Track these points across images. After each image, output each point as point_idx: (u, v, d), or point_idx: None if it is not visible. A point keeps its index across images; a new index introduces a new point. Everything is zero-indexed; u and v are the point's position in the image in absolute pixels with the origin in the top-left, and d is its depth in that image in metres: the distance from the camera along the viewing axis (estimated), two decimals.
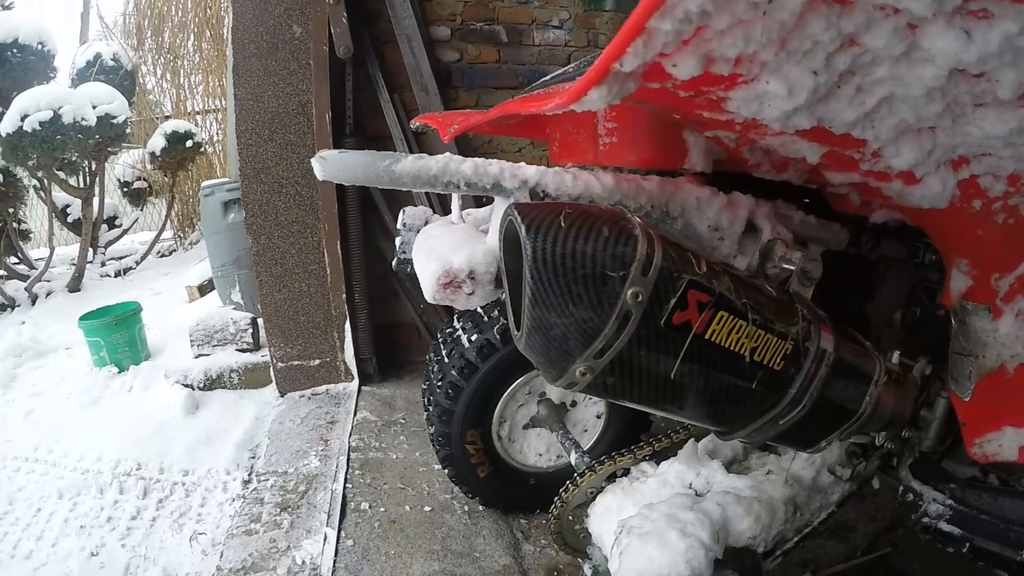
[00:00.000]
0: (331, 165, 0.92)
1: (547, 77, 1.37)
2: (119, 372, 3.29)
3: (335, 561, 1.78)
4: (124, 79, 6.36)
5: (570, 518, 1.44)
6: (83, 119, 4.54)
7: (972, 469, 1.32)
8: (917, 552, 1.78)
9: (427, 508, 2.04)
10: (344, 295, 2.88)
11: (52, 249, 5.39)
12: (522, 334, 0.78)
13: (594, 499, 1.37)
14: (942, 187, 0.86)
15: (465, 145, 3.04)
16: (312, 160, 0.93)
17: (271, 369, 2.99)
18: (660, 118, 1.01)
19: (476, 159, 0.92)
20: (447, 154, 0.93)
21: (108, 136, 4.94)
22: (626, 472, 1.40)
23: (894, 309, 1.42)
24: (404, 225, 1.42)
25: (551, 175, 0.93)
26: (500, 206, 1.03)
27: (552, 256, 0.72)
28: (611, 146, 1.12)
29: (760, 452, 1.48)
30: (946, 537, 1.28)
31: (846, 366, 0.96)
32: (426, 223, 1.43)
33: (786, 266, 1.00)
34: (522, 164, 0.94)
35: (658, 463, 1.38)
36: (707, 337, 0.80)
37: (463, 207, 1.36)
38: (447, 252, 1.04)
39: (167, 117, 7.21)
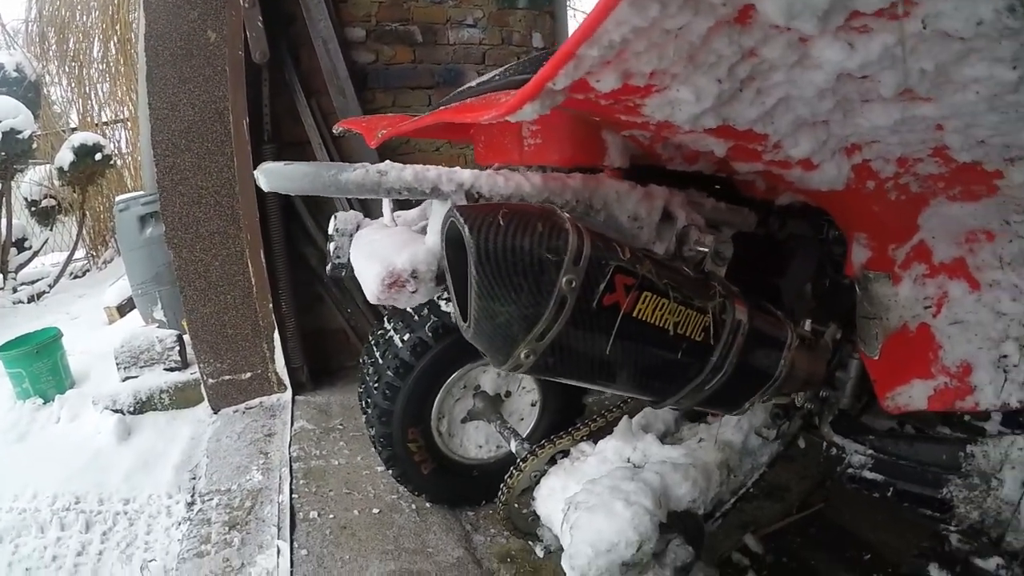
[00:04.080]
0: (276, 177, 0.95)
1: (472, 83, 1.41)
2: (44, 403, 3.15)
3: (291, 572, 1.78)
4: (28, 91, 6.03)
5: (517, 504, 1.49)
6: None
7: (890, 422, 1.43)
8: (848, 505, 1.91)
9: (375, 510, 2.05)
10: (271, 305, 2.84)
11: None
12: (470, 324, 0.85)
13: (538, 482, 1.42)
14: (838, 171, 0.95)
15: (383, 147, 3.02)
16: (256, 172, 0.95)
17: (202, 386, 2.93)
18: (580, 120, 1.07)
19: (415, 166, 0.97)
20: (388, 162, 0.97)
21: (14, 153, 4.71)
22: (566, 454, 1.46)
23: (804, 282, 1.52)
24: (336, 231, 1.43)
25: (484, 178, 0.99)
26: (438, 208, 1.08)
27: (494, 252, 0.79)
28: (536, 147, 1.18)
29: (691, 423, 1.57)
30: (871, 484, 1.40)
31: (760, 334, 1.06)
32: (358, 227, 1.45)
33: (700, 249, 1.08)
34: (457, 168, 0.99)
35: (595, 442, 1.44)
36: (634, 315, 0.88)
37: (393, 210, 1.38)
38: (389, 253, 1.09)
39: (74, 129, 6.89)
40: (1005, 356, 1.15)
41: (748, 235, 1.32)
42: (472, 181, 0.98)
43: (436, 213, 1.10)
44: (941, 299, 1.17)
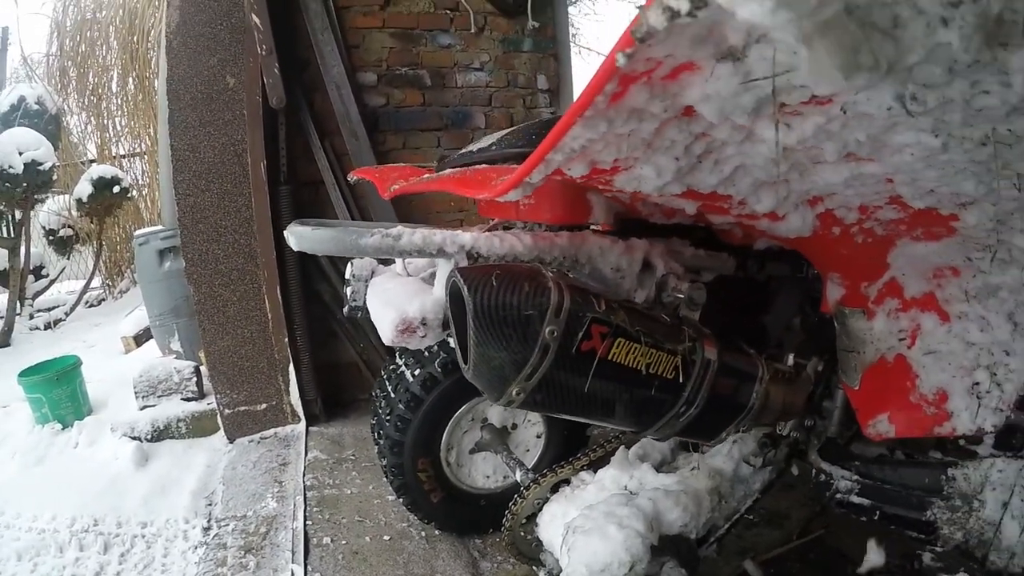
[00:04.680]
0: (304, 240, 1.10)
1: (473, 148, 1.53)
2: (63, 428, 3.24)
3: None
4: (49, 123, 6.20)
5: (521, 531, 1.57)
6: (10, 167, 4.44)
7: (880, 448, 1.48)
8: (848, 532, 1.93)
9: (386, 537, 2.14)
10: (286, 339, 2.94)
11: None
12: (469, 367, 1.00)
13: (541, 509, 1.51)
14: (802, 221, 1.03)
15: (400, 196, 3.13)
16: (285, 233, 1.10)
17: (218, 416, 3.02)
18: (569, 185, 1.18)
19: (423, 230, 1.11)
20: (400, 227, 1.11)
21: (35, 184, 4.82)
22: (567, 482, 1.55)
23: (789, 319, 1.61)
24: (353, 276, 1.57)
25: (483, 240, 1.12)
26: (443, 266, 1.23)
27: (488, 308, 0.94)
28: (530, 207, 1.31)
29: (686, 452, 1.64)
30: (858, 508, 1.44)
31: (730, 370, 1.18)
32: (372, 273, 1.58)
33: (678, 295, 1.19)
34: (459, 232, 1.13)
35: (595, 471, 1.53)
36: (609, 359, 1.02)
37: (403, 259, 1.51)
38: (402, 302, 1.24)
39: (92, 161, 7.05)
40: (977, 383, 1.21)
41: (733, 278, 1.42)
42: (472, 243, 1.11)
43: (441, 270, 1.25)
44: (915, 331, 1.23)
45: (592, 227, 1.23)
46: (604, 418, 1.09)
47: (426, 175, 1.58)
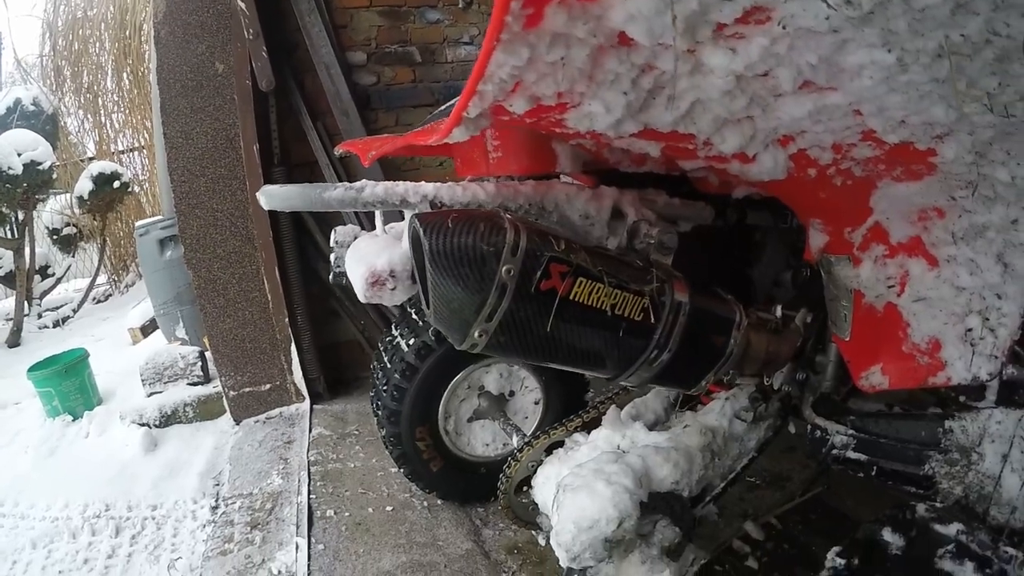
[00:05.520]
0: (274, 198, 1.09)
1: (443, 107, 1.54)
2: (73, 420, 3.30)
3: (309, 565, 1.89)
4: (46, 123, 6.23)
5: (518, 496, 1.59)
6: (9, 168, 4.48)
7: (878, 404, 1.45)
8: (851, 492, 1.96)
9: (389, 508, 2.17)
10: (287, 319, 2.97)
11: None
12: (431, 310, 1.00)
13: (535, 472, 1.50)
14: (774, 162, 0.99)
15: (390, 164, 3.16)
16: (257, 194, 1.10)
17: (224, 399, 3.06)
18: (532, 134, 1.19)
19: (386, 182, 1.10)
20: (364, 180, 1.11)
21: (35, 184, 4.86)
22: (561, 444, 1.55)
23: (778, 272, 1.60)
24: (336, 243, 1.57)
25: (445, 189, 1.12)
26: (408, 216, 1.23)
27: (443, 249, 0.94)
28: (498, 160, 1.32)
29: (679, 411, 1.64)
30: (854, 464, 1.42)
31: (704, 313, 1.16)
32: (355, 239, 1.58)
33: (649, 240, 1.18)
34: (422, 182, 1.13)
35: (588, 432, 1.53)
36: (571, 298, 1.01)
37: (385, 222, 1.51)
38: (371, 257, 1.23)
39: (91, 159, 7.07)
40: (970, 330, 1.17)
41: (713, 229, 1.40)
42: (435, 192, 1.11)
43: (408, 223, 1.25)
44: (903, 278, 1.19)
45: (562, 177, 1.23)
46: (575, 363, 1.09)
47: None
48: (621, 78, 0.75)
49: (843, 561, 1.27)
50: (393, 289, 1.21)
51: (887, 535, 1.25)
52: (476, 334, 0.98)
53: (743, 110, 0.85)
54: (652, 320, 1.09)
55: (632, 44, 0.69)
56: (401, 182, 1.11)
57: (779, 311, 1.41)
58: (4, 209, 4.96)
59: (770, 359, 1.30)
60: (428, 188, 1.10)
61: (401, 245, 1.24)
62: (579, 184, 1.20)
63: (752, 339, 1.23)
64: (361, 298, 1.23)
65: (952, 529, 1.22)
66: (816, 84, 0.77)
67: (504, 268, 0.95)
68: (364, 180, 1.11)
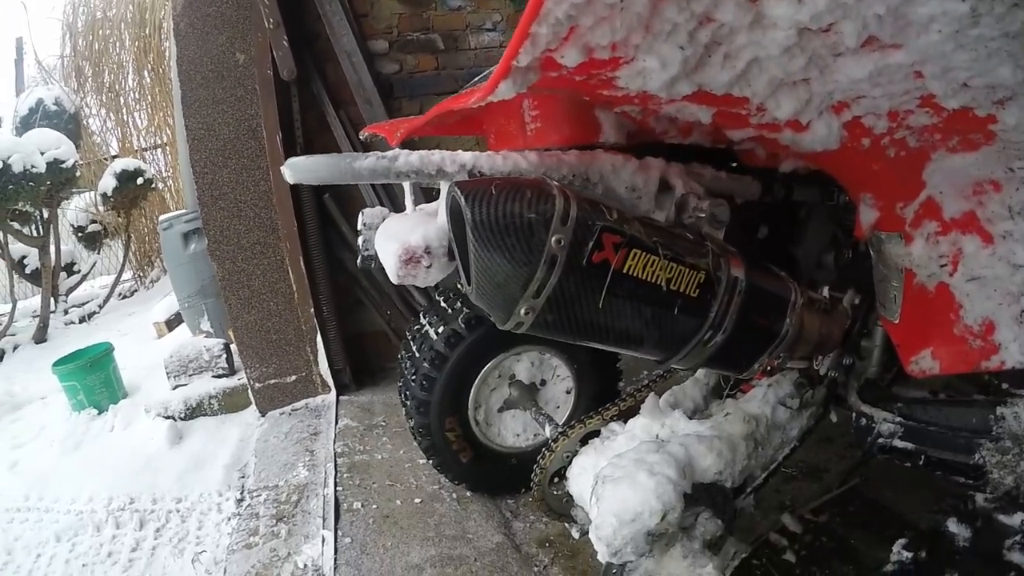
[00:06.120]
0: (300, 170, 1.03)
1: (477, 78, 1.48)
2: (99, 413, 3.30)
3: (336, 559, 1.85)
4: (68, 122, 6.30)
5: (551, 487, 1.54)
6: (33, 167, 4.50)
7: (922, 391, 1.40)
8: (890, 484, 1.90)
9: (417, 500, 2.13)
10: (312, 309, 2.94)
11: (14, 303, 5.31)
12: (472, 286, 0.92)
13: (570, 462, 1.45)
14: (828, 130, 0.95)
15: (411, 148, 3.08)
16: (282, 168, 1.04)
17: (249, 391, 3.04)
18: (574, 101, 1.12)
19: (421, 151, 1.04)
20: (397, 149, 1.05)
21: (59, 182, 4.88)
22: (597, 434, 1.50)
23: (822, 252, 1.53)
24: (364, 225, 1.51)
25: (484, 157, 1.05)
26: (445, 188, 1.15)
27: (487, 217, 0.86)
28: (536, 131, 1.24)
29: (718, 399, 1.59)
30: (901, 453, 1.37)
31: (761, 291, 1.09)
32: (384, 220, 1.53)
33: (699, 215, 1.11)
34: (459, 151, 1.06)
35: (625, 421, 1.48)
36: (624, 271, 0.94)
37: (416, 203, 1.46)
38: (405, 233, 1.16)
39: (114, 157, 7.14)
40: None
41: (758, 205, 1.34)
42: (473, 161, 1.04)
43: (444, 193, 1.17)
44: (956, 256, 1.13)
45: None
46: (626, 344, 1.02)
47: None
48: (679, 29, 0.71)
49: (909, 554, 1.22)
50: (428, 267, 1.13)
51: (952, 526, 1.20)
52: (522, 311, 0.92)
53: (800, 71, 0.81)
54: (708, 296, 1.02)
55: None
56: (437, 151, 1.04)
57: (826, 292, 1.35)
58: (28, 207, 4.99)
59: (822, 341, 1.23)
60: (466, 157, 1.04)
61: (436, 220, 1.17)
62: (625, 154, 1.13)
63: (805, 320, 1.17)
64: (393, 279, 1.16)
65: (1016, 519, 1.17)
66: (880, 40, 0.73)
67: (554, 238, 0.88)
68: (397, 149, 1.05)
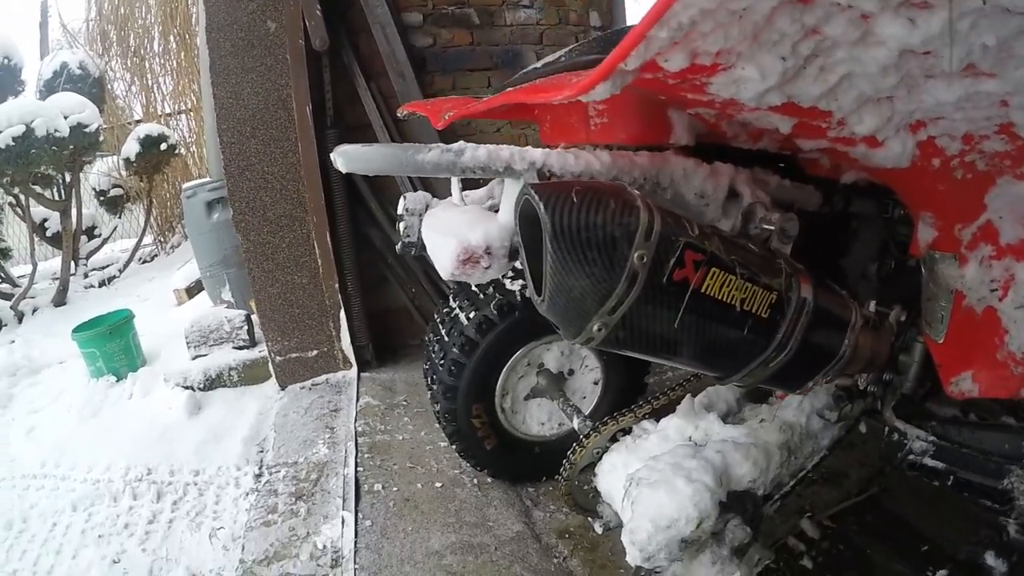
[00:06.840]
0: (353, 159, 0.98)
1: (538, 64, 1.42)
2: (117, 380, 3.31)
3: (355, 542, 1.83)
4: (92, 87, 6.27)
5: (578, 481, 1.51)
6: (56, 131, 4.49)
7: (953, 409, 1.39)
8: (908, 495, 1.87)
9: (438, 484, 2.10)
10: (337, 285, 2.92)
11: (35, 265, 5.32)
12: (544, 298, 0.88)
13: (600, 459, 1.43)
14: (902, 148, 0.94)
15: (446, 129, 3.04)
16: (332, 155, 1.00)
17: (270, 363, 3.03)
18: (647, 99, 1.07)
19: (489, 146, 0.99)
20: (462, 142, 1.00)
21: (82, 146, 4.88)
22: (628, 431, 1.47)
23: (868, 263, 1.49)
24: (407, 211, 1.47)
25: (555, 156, 1.00)
26: (511, 187, 1.12)
27: (568, 228, 0.82)
28: (602, 126, 1.18)
29: (753, 404, 1.55)
30: (931, 472, 1.36)
31: (825, 313, 1.05)
32: (427, 207, 1.49)
33: (766, 226, 1.07)
34: (529, 148, 1.01)
35: (658, 420, 1.45)
36: (703, 291, 0.90)
37: (462, 191, 1.42)
38: (463, 230, 1.12)
39: (138, 122, 7.13)
40: None
41: (809, 215, 1.30)
42: (543, 159, 0.99)
43: (509, 191, 1.14)
44: (1008, 281, 1.13)
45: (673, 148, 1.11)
46: (688, 361, 0.99)
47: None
48: (785, 40, 0.70)
49: None
50: (487, 268, 1.10)
51: (990, 560, 1.20)
52: (595, 328, 0.88)
53: (889, 89, 0.80)
54: (777, 318, 0.98)
55: (812, 1, 0.65)
56: (505, 146, 0.99)
57: (872, 307, 1.31)
58: (51, 171, 5.00)
59: (873, 359, 1.19)
60: (536, 154, 0.99)
61: (497, 219, 1.13)
62: (696, 159, 1.08)
63: (860, 339, 1.13)
64: (445, 275, 1.12)
65: None
66: (977, 68, 0.72)
67: (636, 254, 0.84)
68: (462, 142, 0.99)
